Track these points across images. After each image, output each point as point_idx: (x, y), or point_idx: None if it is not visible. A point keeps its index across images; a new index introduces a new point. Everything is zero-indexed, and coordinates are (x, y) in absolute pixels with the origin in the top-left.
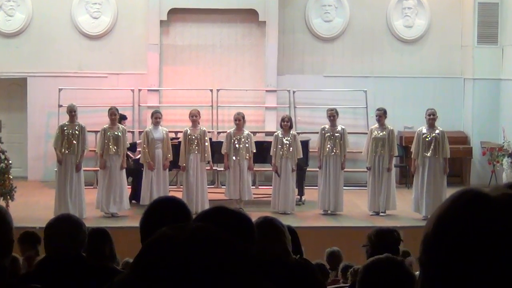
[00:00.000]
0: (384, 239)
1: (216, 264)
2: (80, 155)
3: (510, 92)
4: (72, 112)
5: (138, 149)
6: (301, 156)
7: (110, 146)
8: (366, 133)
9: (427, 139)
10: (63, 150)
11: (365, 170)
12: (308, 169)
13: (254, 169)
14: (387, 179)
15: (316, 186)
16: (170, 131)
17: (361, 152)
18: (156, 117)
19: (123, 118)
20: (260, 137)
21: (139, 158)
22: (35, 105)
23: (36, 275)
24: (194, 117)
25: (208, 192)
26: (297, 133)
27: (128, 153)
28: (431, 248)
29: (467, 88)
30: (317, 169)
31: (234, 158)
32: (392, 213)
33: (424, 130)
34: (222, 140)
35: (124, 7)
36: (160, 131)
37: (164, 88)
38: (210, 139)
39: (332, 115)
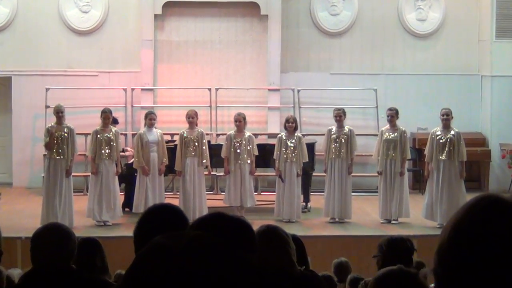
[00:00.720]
0: (396, 249)
1: (215, 275)
2: (70, 160)
3: None
4: (59, 113)
5: (122, 153)
6: (307, 160)
7: (103, 150)
8: (377, 135)
9: (441, 141)
10: (51, 154)
11: (376, 174)
12: (314, 173)
13: (256, 174)
14: (400, 184)
15: (323, 191)
16: (165, 134)
17: (371, 155)
18: (151, 118)
19: (114, 122)
20: (263, 140)
21: (132, 163)
22: (20, 106)
23: None
24: (191, 118)
25: (207, 199)
26: (302, 135)
27: (127, 148)
28: (447, 258)
29: (485, 86)
30: (324, 174)
31: (234, 162)
32: (405, 220)
33: (439, 132)
34: (221, 143)
35: (115, 1)
36: (155, 133)
37: (159, 87)
38: (209, 141)
39: (339, 116)
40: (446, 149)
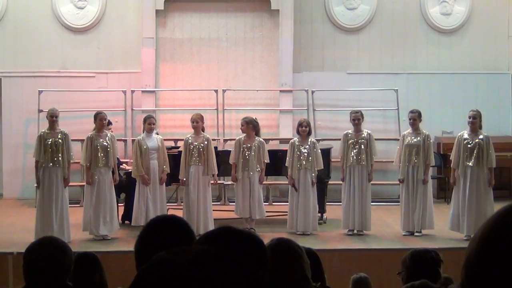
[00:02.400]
0: (421, 261)
1: None
2: (67, 168)
3: None
4: (53, 117)
5: (121, 166)
6: (322, 167)
7: (99, 158)
8: (398, 139)
9: (469, 146)
10: (45, 163)
11: (397, 182)
12: (330, 182)
13: (268, 182)
14: (423, 193)
15: (340, 201)
16: (169, 139)
17: (392, 161)
18: (150, 122)
19: (108, 123)
20: (274, 145)
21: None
22: (11, 110)
23: None
24: (196, 123)
25: (214, 210)
26: (317, 140)
27: (123, 165)
28: (475, 272)
29: None
30: (340, 182)
31: (242, 169)
32: (429, 232)
33: (466, 135)
34: (229, 149)
35: None
36: (154, 139)
37: (161, 89)
38: (216, 147)
39: (357, 119)
40: (474, 154)
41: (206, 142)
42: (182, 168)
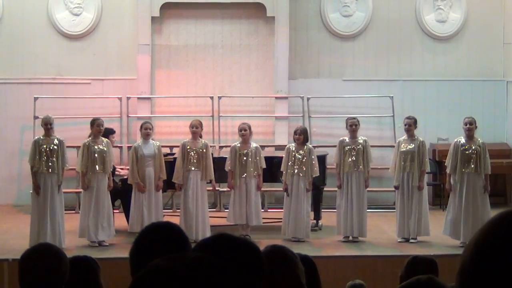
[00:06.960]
0: (414, 267)
1: None
2: (61, 174)
3: None
4: (47, 125)
5: (117, 172)
6: (318, 174)
7: (97, 164)
8: (393, 146)
9: (466, 152)
10: (40, 169)
11: (393, 189)
12: (325, 188)
13: (263, 189)
14: (418, 200)
15: (335, 208)
16: (164, 146)
17: (388, 168)
18: (146, 128)
19: (110, 132)
20: (270, 152)
21: (127, 178)
22: (6, 117)
23: None
24: (195, 128)
25: (209, 217)
26: (313, 146)
27: (117, 170)
28: (469, 279)
29: (510, 93)
30: (336, 189)
31: (240, 176)
32: (424, 239)
33: (463, 142)
34: (225, 156)
35: (109, 2)
36: (151, 145)
37: (156, 95)
38: (212, 154)
39: (354, 125)
40: (472, 161)
41: (204, 148)
42: (178, 172)
